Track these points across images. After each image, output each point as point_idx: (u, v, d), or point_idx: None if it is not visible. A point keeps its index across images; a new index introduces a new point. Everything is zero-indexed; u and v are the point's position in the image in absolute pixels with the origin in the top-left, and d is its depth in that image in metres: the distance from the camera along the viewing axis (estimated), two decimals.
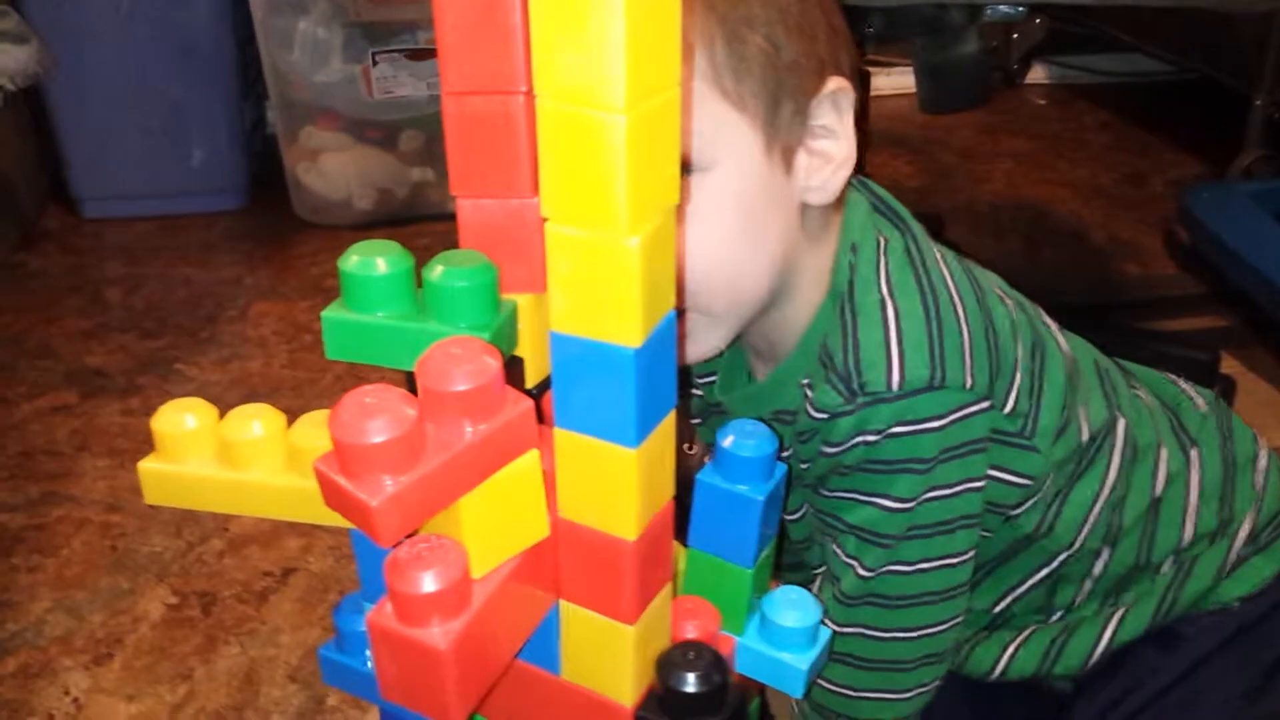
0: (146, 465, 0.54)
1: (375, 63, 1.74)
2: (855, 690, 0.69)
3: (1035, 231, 1.79)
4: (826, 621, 0.67)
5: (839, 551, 0.67)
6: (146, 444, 0.54)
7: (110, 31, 1.72)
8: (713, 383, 0.76)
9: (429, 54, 1.73)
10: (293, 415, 1.40)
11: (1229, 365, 1.34)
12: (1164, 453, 0.74)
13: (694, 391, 0.78)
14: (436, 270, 0.45)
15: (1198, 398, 0.79)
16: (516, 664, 0.53)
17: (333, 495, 0.40)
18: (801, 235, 0.64)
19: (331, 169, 1.80)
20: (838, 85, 0.61)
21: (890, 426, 0.62)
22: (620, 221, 0.38)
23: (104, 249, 1.79)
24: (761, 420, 0.69)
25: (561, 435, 0.45)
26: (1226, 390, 1.24)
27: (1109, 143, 2.16)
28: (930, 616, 0.67)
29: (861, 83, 0.72)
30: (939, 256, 0.67)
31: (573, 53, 0.36)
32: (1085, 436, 0.69)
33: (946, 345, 0.62)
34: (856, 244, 0.65)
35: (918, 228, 0.69)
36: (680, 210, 0.57)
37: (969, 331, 0.63)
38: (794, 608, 0.60)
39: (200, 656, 1.02)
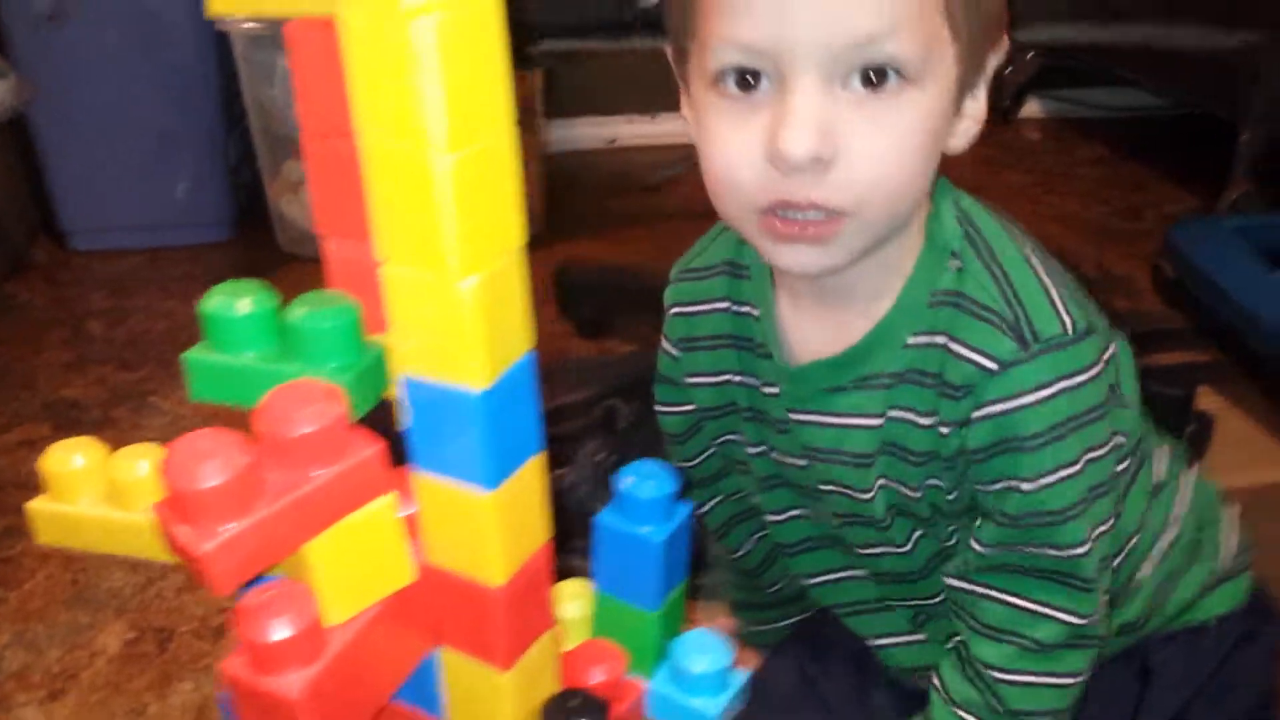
0: (35, 505, 0.54)
1: None
2: (1069, 677, 0.67)
3: None
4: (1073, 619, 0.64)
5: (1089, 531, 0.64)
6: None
7: (97, 65, 1.73)
8: (722, 383, 0.73)
9: None
10: None
11: (1210, 401, 1.32)
12: (1161, 455, 0.74)
13: (677, 409, 0.77)
14: (297, 312, 0.45)
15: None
16: (399, 708, 0.52)
17: (170, 541, 0.39)
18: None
19: None
20: (1004, 47, 0.62)
21: (1072, 374, 0.60)
22: (452, 264, 0.38)
23: (90, 281, 1.80)
24: (840, 389, 0.66)
25: (420, 479, 0.44)
26: (1204, 427, 1.22)
27: (1102, 177, 2.15)
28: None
29: None
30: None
31: (395, 91, 0.35)
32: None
33: (1076, 295, 0.63)
34: (959, 200, 0.65)
35: None
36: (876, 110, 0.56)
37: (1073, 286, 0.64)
38: (705, 651, 0.59)
39: (155, 692, 1.01)
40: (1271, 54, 1.67)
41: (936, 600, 0.71)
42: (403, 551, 0.44)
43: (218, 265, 1.85)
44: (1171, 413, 1.22)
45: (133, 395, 1.46)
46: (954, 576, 0.67)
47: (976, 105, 0.62)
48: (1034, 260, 0.63)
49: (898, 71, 0.55)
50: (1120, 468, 0.66)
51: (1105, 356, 0.62)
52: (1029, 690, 0.65)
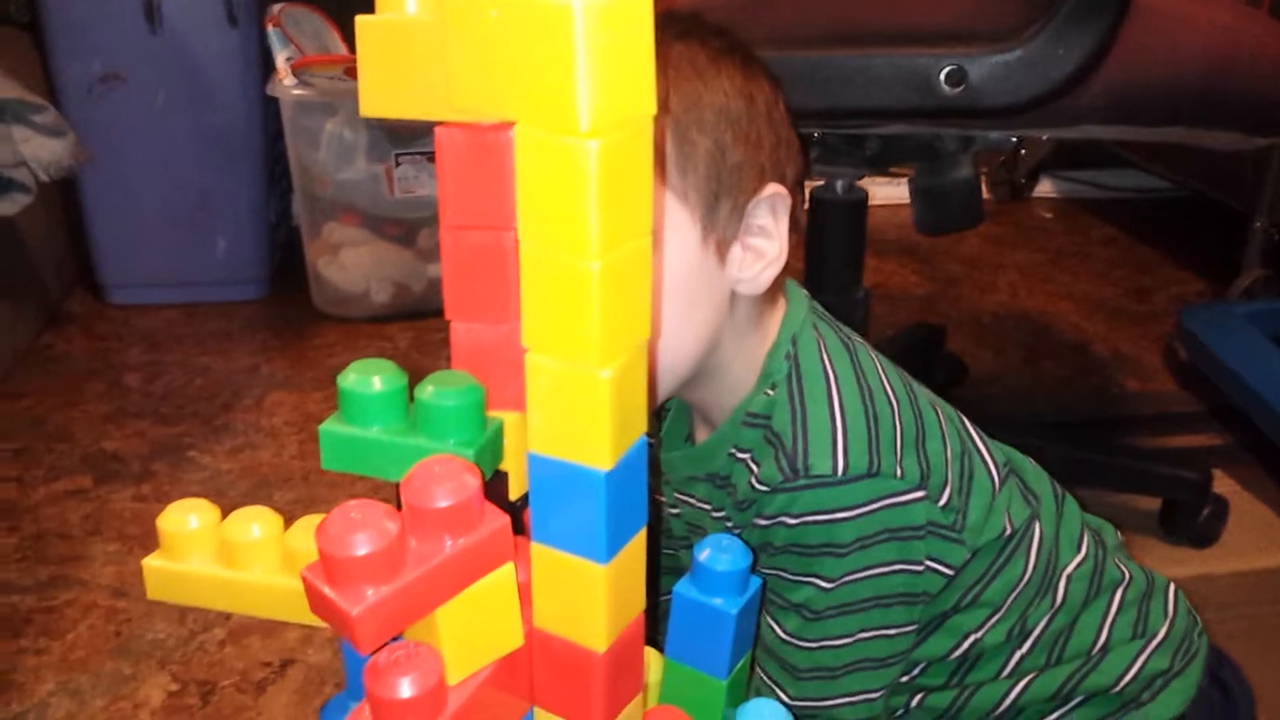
0: (150, 562, 0.57)
1: (398, 163, 1.80)
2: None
3: (1037, 344, 1.81)
4: (781, 695, 0.73)
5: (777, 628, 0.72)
6: (156, 531, 0.57)
7: (144, 124, 1.79)
8: (654, 445, 0.82)
9: None
10: (299, 505, 1.40)
11: (1223, 485, 1.35)
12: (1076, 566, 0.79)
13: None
14: (427, 390, 0.48)
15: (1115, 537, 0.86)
16: None
17: (318, 602, 0.43)
18: (730, 321, 0.71)
19: (351, 263, 1.85)
20: (775, 190, 0.68)
21: (829, 511, 0.67)
22: (593, 355, 0.42)
23: (127, 334, 1.84)
24: (695, 479, 0.75)
25: (537, 549, 0.47)
26: (1219, 510, 1.26)
27: (1113, 257, 2.20)
28: (869, 682, 0.73)
29: (804, 192, 0.79)
30: (875, 359, 0.74)
31: (558, 201, 0.39)
32: (1009, 532, 0.75)
33: (882, 437, 0.69)
34: (797, 336, 0.72)
35: (850, 330, 0.76)
36: None
37: (901, 428, 0.70)
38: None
39: None
40: None
41: None
42: (517, 617, 0.48)
43: (253, 322, 1.89)
44: (1189, 495, 1.26)
45: (172, 450, 1.50)
46: None
47: (770, 245, 0.68)
48: (841, 400, 0.69)
49: None
50: (939, 593, 0.72)
51: (896, 496, 0.68)
52: None
